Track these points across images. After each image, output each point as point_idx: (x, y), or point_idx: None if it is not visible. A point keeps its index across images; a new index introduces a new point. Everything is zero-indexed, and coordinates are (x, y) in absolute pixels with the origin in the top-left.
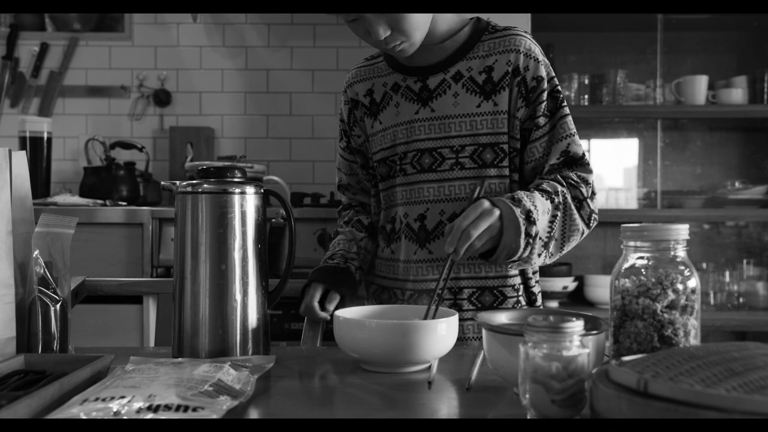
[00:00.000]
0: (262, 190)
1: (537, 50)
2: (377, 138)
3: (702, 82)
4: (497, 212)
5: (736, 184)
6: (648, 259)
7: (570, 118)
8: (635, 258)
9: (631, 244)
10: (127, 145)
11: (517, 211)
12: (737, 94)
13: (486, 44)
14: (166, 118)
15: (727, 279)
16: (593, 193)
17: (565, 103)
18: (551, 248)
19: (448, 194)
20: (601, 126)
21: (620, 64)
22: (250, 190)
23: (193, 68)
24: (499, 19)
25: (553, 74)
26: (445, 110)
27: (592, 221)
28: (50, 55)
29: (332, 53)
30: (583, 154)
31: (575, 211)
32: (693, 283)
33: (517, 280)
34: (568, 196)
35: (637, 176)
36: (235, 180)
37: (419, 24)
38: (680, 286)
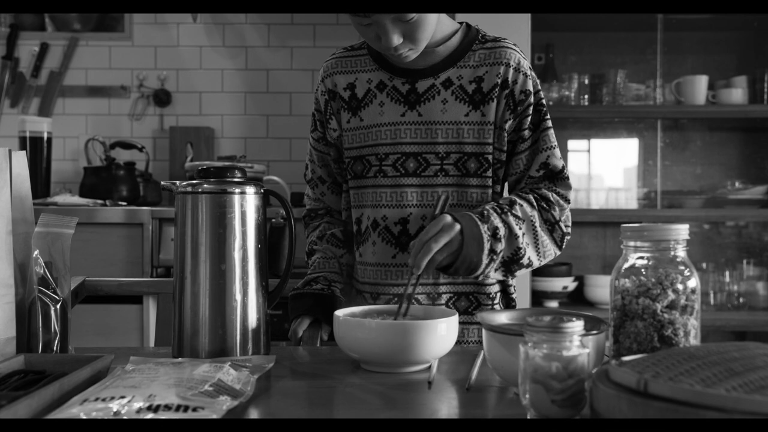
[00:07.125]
0: (262, 190)
1: (525, 64)
2: (355, 134)
3: (702, 82)
4: (458, 227)
5: (736, 184)
6: (648, 259)
7: (552, 131)
8: (635, 258)
9: (631, 244)
10: (127, 145)
11: (483, 227)
12: (737, 94)
13: (477, 54)
14: (166, 118)
15: (727, 279)
16: (567, 216)
17: (548, 116)
18: (520, 262)
19: (431, 200)
20: (601, 126)
21: (620, 64)
22: (250, 190)
23: (193, 68)
24: (499, 19)
25: (539, 88)
26: (432, 116)
27: (564, 243)
28: (50, 55)
29: (332, 53)
30: (563, 168)
31: (546, 235)
32: (693, 283)
33: (495, 288)
34: (537, 221)
35: (637, 176)
36: (235, 180)
37: (430, 33)
38: (680, 286)
